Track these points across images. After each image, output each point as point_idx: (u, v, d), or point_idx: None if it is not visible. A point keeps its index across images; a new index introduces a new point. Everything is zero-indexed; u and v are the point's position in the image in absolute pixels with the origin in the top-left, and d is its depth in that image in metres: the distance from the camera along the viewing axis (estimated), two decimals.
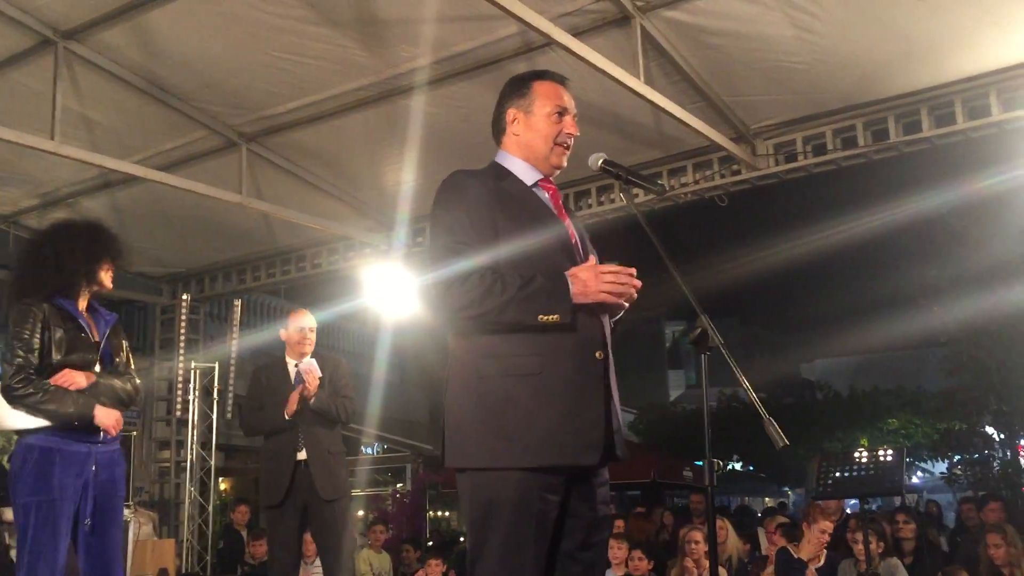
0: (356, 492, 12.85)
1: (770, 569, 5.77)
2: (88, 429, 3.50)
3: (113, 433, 3.57)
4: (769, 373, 31.22)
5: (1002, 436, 12.99)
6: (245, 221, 8.10)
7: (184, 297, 9.24)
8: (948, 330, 12.76)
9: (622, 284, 2.40)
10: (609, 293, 2.40)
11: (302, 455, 5.09)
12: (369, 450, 17.87)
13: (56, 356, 3.47)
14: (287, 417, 5.06)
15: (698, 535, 6.23)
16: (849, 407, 20.07)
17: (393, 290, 8.10)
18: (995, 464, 13.04)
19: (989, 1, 5.06)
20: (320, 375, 5.09)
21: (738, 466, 24.64)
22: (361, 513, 13.14)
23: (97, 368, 3.60)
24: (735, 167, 6.71)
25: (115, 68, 6.17)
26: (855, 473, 5.23)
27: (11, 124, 5.84)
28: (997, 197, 9.27)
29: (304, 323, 5.31)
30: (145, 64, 6.19)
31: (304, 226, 7.87)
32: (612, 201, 7.17)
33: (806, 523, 5.74)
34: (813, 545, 5.49)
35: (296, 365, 5.20)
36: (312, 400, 5.06)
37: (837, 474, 5.36)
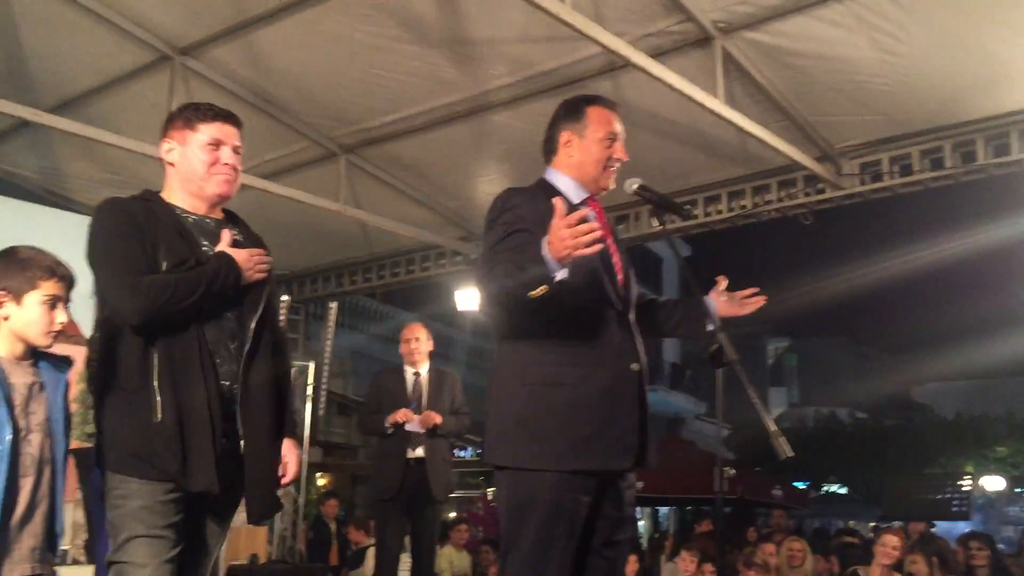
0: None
1: None
2: None
3: None
4: (878, 394, 30.34)
5: None
6: (343, 228, 8.46)
7: (284, 298, 9.71)
8: None
9: (584, 234, 2.33)
10: (575, 247, 2.34)
11: (412, 454, 5.65)
12: (463, 453, 18.24)
13: None
14: (387, 425, 5.65)
15: (771, 548, 6.29)
16: (953, 432, 19.40)
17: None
18: None
19: None
20: (438, 421, 5.68)
21: (843, 490, 24.04)
22: (453, 515, 13.46)
23: None
24: (820, 186, 6.71)
25: (226, 82, 6.59)
26: (925, 496, 5.20)
27: (131, 133, 6.32)
28: None
29: (408, 335, 6.05)
30: (253, 79, 6.60)
31: (398, 234, 8.20)
32: (719, 212, 7.15)
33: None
34: (880, 564, 5.47)
35: (414, 376, 5.94)
36: (440, 429, 5.71)
37: (908, 496, 5.34)
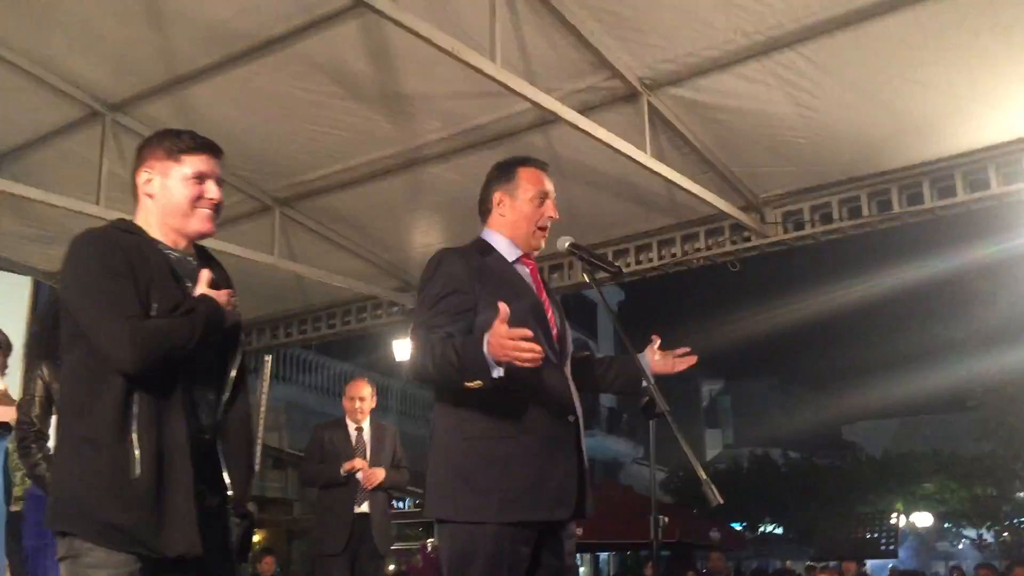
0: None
1: None
2: None
3: None
4: (810, 433, 30.91)
5: None
6: (278, 280, 8.44)
7: None
8: (976, 394, 12.74)
9: (523, 351, 2.44)
10: (514, 359, 2.46)
11: (359, 509, 5.69)
12: (400, 504, 18.06)
13: None
14: (342, 474, 5.71)
15: None
16: (881, 469, 19.86)
17: None
18: None
19: (980, 82, 5.28)
20: (380, 479, 5.78)
21: (779, 530, 24.33)
22: (392, 567, 13.30)
23: None
24: (746, 234, 6.94)
25: None
26: (854, 535, 5.35)
27: (61, 190, 6.26)
28: (1016, 261, 9.35)
29: (354, 393, 6.07)
30: None
31: (334, 285, 8.21)
32: (650, 260, 7.34)
33: None
34: None
35: (356, 431, 6.01)
36: (385, 483, 5.80)
37: (838, 536, 5.48)
